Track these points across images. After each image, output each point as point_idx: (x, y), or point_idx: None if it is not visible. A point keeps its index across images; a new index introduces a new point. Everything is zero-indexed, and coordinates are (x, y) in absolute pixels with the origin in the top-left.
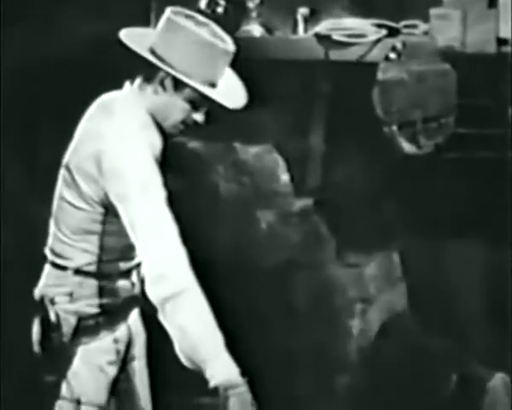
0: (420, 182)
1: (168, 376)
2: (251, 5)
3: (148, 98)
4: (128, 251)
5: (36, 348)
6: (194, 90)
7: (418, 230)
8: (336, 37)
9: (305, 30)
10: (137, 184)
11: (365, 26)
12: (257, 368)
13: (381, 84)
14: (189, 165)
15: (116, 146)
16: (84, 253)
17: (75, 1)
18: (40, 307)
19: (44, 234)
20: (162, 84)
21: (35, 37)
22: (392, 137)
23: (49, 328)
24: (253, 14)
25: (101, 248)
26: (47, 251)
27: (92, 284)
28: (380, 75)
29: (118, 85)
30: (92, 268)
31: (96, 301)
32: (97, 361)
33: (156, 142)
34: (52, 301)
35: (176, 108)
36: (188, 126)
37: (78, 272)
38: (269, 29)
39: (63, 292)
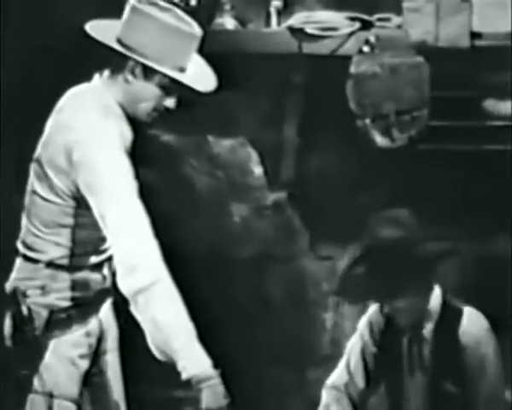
0: (394, 175)
1: (141, 369)
2: None
3: (119, 88)
4: (100, 244)
5: (8, 342)
6: (165, 76)
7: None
8: (309, 30)
9: (279, 23)
10: (108, 175)
11: (338, 19)
12: (230, 360)
13: (355, 78)
14: (162, 158)
15: (86, 137)
16: (56, 246)
17: None
18: (12, 300)
19: (16, 227)
20: (133, 72)
21: (23, 27)
22: (365, 130)
23: (21, 322)
24: (226, 7)
25: (74, 241)
26: (19, 244)
27: (64, 277)
28: (353, 68)
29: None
30: (64, 261)
31: (68, 294)
32: (69, 355)
33: (126, 133)
34: (24, 295)
35: (147, 95)
36: (160, 114)
37: (50, 265)
38: (242, 22)
39: (35, 285)
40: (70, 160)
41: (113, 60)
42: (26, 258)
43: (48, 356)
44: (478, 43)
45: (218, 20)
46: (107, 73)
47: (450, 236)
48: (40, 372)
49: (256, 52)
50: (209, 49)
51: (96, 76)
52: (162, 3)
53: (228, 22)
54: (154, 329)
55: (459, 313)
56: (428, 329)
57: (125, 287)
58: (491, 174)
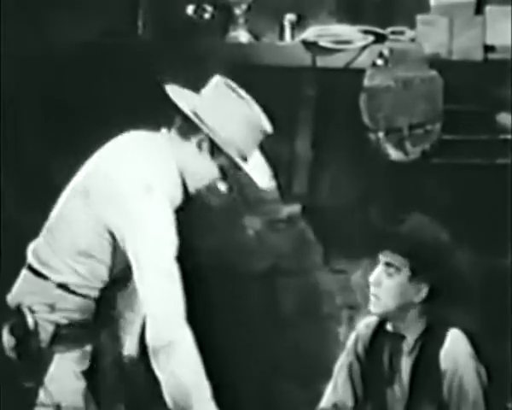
0: (407, 188)
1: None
2: (238, 11)
3: (184, 155)
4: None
5: (9, 353)
6: (228, 159)
7: None
8: (323, 43)
9: (292, 36)
10: (153, 234)
11: (352, 33)
12: (243, 374)
13: (368, 91)
14: None
15: (138, 192)
16: (73, 272)
17: (63, 5)
18: (14, 312)
19: (21, 239)
20: (199, 146)
21: (22, 37)
22: (378, 143)
23: (26, 334)
24: (240, 21)
25: (93, 274)
26: (29, 254)
27: (74, 300)
28: (366, 82)
29: (102, 88)
30: (81, 290)
31: (76, 315)
32: (73, 369)
33: (177, 197)
34: (31, 309)
35: (206, 174)
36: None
37: (61, 286)
38: (256, 35)
39: (44, 302)
40: (120, 210)
41: (101, 76)
42: (35, 272)
43: (53, 368)
44: (491, 56)
45: (232, 34)
46: (174, 132)
47: (462, 248)
48: (45, 385)
49: (270, 65)
50: (223, 62)
51: (164, 131)
52: (240, 91)
53: (242, 35)
54: (172, 383)
55: (443, 334)
56: (409, 342)
57: (149, 340)
58: (504, 188)
